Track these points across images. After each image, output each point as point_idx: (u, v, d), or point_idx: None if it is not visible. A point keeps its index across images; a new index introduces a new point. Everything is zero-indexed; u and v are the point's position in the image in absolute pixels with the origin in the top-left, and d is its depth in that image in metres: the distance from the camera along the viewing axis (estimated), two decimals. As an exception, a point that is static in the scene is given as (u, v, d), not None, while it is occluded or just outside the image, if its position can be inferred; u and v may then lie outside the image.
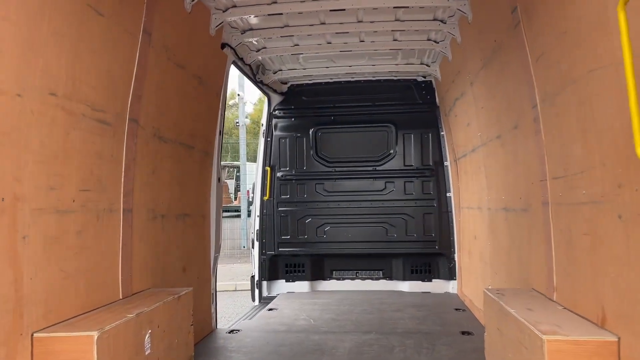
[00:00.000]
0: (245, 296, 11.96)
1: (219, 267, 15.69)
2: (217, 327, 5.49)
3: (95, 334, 2.56)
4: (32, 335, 2.53)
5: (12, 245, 2.42)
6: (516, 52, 3.59)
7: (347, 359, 4.30)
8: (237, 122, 18.47)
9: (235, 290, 13.17)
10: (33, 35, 2.53)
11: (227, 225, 21.78)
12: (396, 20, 5.35)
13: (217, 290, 12.83)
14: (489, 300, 3.54)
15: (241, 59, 5.86)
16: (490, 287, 4.93)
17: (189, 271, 4.70)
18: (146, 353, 3.10)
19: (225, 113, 5.53)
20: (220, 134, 5.45)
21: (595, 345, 2.31)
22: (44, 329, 2.60)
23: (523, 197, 3.84)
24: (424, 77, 7.40)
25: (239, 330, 5.27)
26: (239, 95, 18.19)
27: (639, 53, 1.98)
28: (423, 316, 5.81)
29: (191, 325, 3.87)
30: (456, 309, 6.14)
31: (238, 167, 22.41)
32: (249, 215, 21.89)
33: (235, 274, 15.00)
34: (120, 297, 3.43)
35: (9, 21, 2.37)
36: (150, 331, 3.15)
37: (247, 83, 6.63)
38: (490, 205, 5.03)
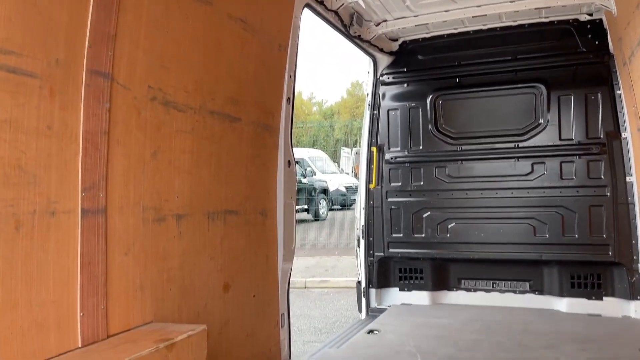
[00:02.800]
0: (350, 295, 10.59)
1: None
2: (292, 358, 4.16)
3: None
4: None
5: None
6: None
7: None
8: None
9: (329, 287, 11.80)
10: None
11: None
12: None
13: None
14: None
15: (321, 3, 4.39)
16: None
17: (237, 289, 3.42)
18: None
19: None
20: (289, 103, 4.08)
21: None
22: None
23: None
24: (589, 14, 5.24)
25: (313, 368, 3.90)
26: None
27: None
28: (590, 361, 3.88)
29: (204, 383, 2.56)
30: (645, 352, 4.08)
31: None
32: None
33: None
34: (80, 345, 2.24)
35: None
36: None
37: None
38: None
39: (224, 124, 3.32)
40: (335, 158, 34.59)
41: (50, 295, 2.13)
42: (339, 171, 30.63)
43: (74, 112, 2.23)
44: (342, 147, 38.47)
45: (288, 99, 4.04)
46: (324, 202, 24.73)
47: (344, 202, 27.68)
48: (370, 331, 4.88)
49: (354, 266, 13.92)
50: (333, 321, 8.65)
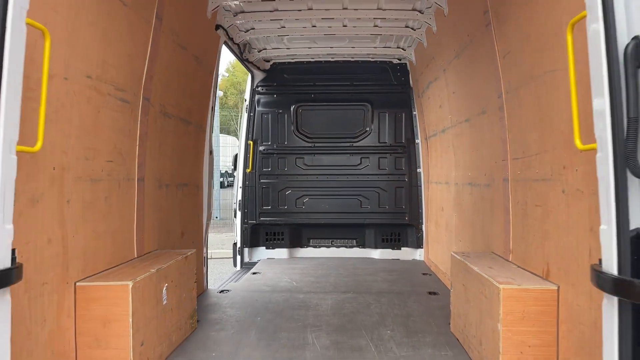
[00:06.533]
0: (219, 264, 12.47)
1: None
2: (208, 287, 5.97)
3: (130, 283, 3.02)
4: (75, 284, 2.97)
5: (60, 207, 2.83)
6: (486, 48, 4.13)
7: (330, 312, 4.87)
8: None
9: (211, 258, 13.55)
10: (75, 26, 2.90)
11: (198, 196, 22.02)
12: (378, 8, 5.81)
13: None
14: (455, 262, 4.14)
15: (231, 39, 6.22)
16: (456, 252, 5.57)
17: (186, 236, 5.15)
18: (163, 303, 3.57)
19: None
20: (212, 110, 5.85)
21: (540, 292, 2.93)
22: (83, 279, 3.04)
23: (487, 174, 4.43)
24: (400, 59, 7.90)
25: (228, 291, 5.78)
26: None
27: (581, 60, 2.51)
28: (394, 279, 6.44)
29: (195, 282, 4.35)
30: (423, 273, 6.80)
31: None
32: (221, 186, 22.17)
33: (209, 243, 15.38)
34: (135, 256, 3.87)
35: (58, 13, 2.74)
36: (166, 285, 3.62)
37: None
38: (458, 181, 5.63)
39: (185, 126, 5.02)
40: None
41: (127, 226, 3.74)
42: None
43: (137, 122, 3.83)
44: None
45: (212, 107, 5.82)
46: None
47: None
48: (254, 273, 6.88)
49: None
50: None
